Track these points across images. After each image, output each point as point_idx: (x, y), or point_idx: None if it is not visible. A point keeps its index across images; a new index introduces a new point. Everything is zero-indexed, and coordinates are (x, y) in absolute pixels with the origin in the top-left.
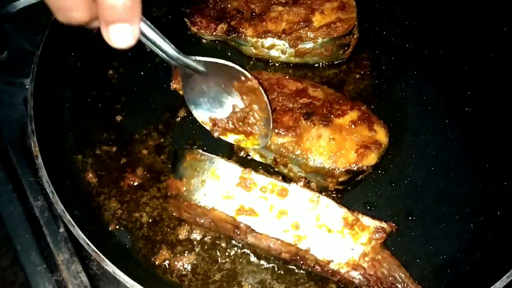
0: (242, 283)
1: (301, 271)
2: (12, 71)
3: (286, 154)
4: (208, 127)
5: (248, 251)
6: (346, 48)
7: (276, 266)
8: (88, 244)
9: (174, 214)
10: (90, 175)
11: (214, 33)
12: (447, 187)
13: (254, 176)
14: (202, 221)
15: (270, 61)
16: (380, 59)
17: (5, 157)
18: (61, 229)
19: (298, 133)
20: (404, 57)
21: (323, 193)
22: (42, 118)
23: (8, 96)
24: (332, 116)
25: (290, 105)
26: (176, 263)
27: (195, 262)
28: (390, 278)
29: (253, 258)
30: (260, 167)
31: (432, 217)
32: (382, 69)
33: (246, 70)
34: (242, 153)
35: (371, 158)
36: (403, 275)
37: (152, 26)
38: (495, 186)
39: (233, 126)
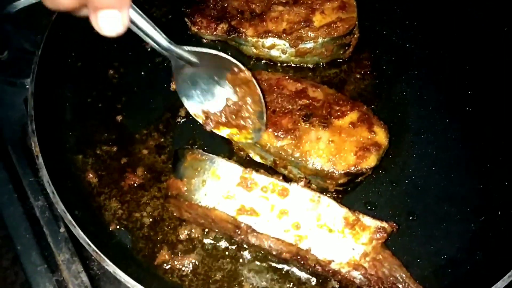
0: (243, 283)
1: (302, 271)
2: (12, 71)
3: (286, 156)
4: (200, 120)
5: (249, 251)
6: (346, 48)
7: (277, 266)
8: (88, 244)
9: (175, 214)
10: (91, 175)
11: (214, 33)
12: (448, 187)
13: (255, 176)
14: (203, 221)
15: (271, 61)
16: (381, 59)
17: (6, 157)
18: (62, 229)
19: (297, 136)
20: (405, 57)
21: (324, 194)
22: (43, 118)
23: (9, 96)
24: (331, 117)
25: (290, 106)
26: (176, 263)
27: (195, 262)
28: (391, 278)
29: (254, 258)
30: (262, 169)
31: (433, 217)
32: (382, 69)
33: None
34: (242, 154)
35: (371, 160)
36: (404, 275)
37: (143, 14)
38: (496, 185)
39: (226, 120)
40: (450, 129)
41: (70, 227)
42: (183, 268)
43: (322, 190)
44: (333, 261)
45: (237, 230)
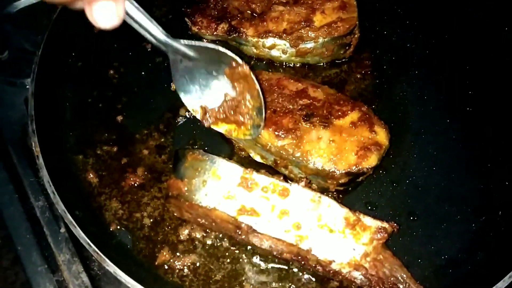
0: (244, 284)
1: (303, 271)
2: (12, 71)
3: (286, 156)
4: (198, 115)
5: (250, 251)
6: (347, 47)
7: (277, 266)
8: (89, 245)
9: (175, 214)
10: (91, 175)
11: (215, 33)
12: (449, 187)
13: (256, 176)
14: (204, 221)
15: (271, 61)
16: (381, 58)
17: (6, 157)
18: (62, 230)
19: (298, 135)
20: (405, 57)
21: (324, 194)
22: (43, 118)
23: (9, 96)
24: (332, 117)
25: (290, 106)
26: (177, 263)
27: (196, 262)
28: (392, 278)
29: (254, 258)
30: (265, 169)
31: (434, 217)
32: (383, 68)
33: None
34: (243, 154)
35: (372, 160)
36: (404, 275)
37: (139, 7)
38: (497, 186)
39: (224, 116)
40: (450, 129)
41: (71, 227)
42: (184, 268)
43: (323, 190)
44: (334, 261)
45: (237, 231)
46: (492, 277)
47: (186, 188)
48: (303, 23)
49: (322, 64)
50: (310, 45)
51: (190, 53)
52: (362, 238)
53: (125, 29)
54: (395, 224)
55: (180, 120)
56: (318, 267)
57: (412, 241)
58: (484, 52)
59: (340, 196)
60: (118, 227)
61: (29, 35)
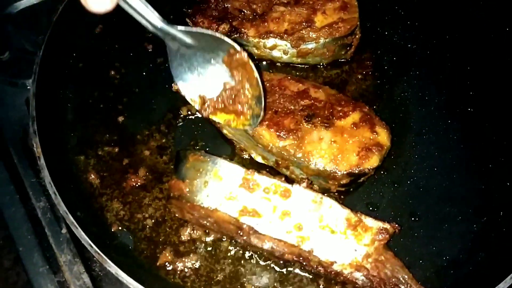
0: (245, 284)
1: (304, 272)
2: (13, 72)
3: (288, 157)
4: (197, 105)
5: (251, 252)
6: (348, 48)
7: (279, 267)
8: (90, 245)
9: (177, 215)
10: (93, 176)
11: None
12: (450, 188)
13: (257, 177)
14: (205, 222)
15: (272, 61)
16: (382, 59)
17: (7, 158)
18: (64, 230)
19: (300, 136)
20: (406, 57)
21: (326, 194)
22: (44, 119)
23: (10, 97)
24: (333, 118)
25: (292, 107)
26: (178, 264)
27: (198, 263)
28: (393, 279)
29: (256, 259)
30: (267, 170)
31: (435, 217)
32: (384, 69)
33: None
34: (244, 154)
35: (373, 161)
36: (406, 276)
37: None
38: (498, 186)
39: (223, 105)
40: (451, 129)
41: (72, 228)
42: (185, 269)
43: (324, 191)
44: (335, 262)
45: (239, 231)
46: (494, 278)
47: (187, 189)
48: (304, 23)
49: (323, 64)
50: (311, 45)
51: (187, 39)
52: (363, 239)
53: (126, 29)
54: (396, 225)
55: (181, 120)
56: (320, 268)
57: (413, 242)
58: (485, 53)
59: (342, 197)
60: (120, 228)
61: (30, 35)
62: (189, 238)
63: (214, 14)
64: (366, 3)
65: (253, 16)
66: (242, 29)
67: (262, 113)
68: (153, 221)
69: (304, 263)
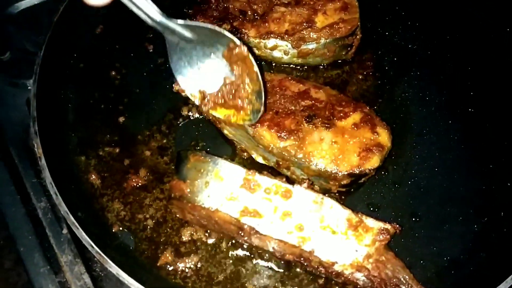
0: (246, 285)
1: (305, 273)
2: (14, 72)
3: (289, 157)
4: (197, 100)
5: (252, 253)
6: (349, 48)
7: (280, 268)
8: (91, 246)
9: (178, 215)
10: (93, 177)
11: None
12: (451, 188)
13: (258, 177)
14: (206, 222)
15: (273, 62)
16: (383, 59)
17: (8, 159)
18: (64, 231)
19: (300, 137)
20: (407, 58)
21: (326, 195)
22: (45, 119)
23: (11, 97)
24: (334, 118)
25: (292, 107)
26: (179, 264)
27: (198, 263)
28: (394, 280)
29: (257, 260)
30: (268, 170)
31: (436, 218)
32: (385, 69)
33: None
34: (245, 155)
35: (374, 161)
36: (407, 277)
37: None
38: (499, 186)
39: (223, 100)
40: (452, 129)
41: (73, 228)
42: (186, 270)
43: (325, 191)
44: (336, 262)
45: (240, 232)
46: (495, 278)
47: (188, 190)
48: (305, 24)
49: (323, 65)
50: (312, 46)
51: (187, 33)
52: (364, 239)
53: (127, 30)
54: (397, 225)
55: (182, 121)
56: (321, 269)
57: (414, 242)
58: (485, 53)
59: (342, 197)
60: (121, 228)
61: (31, 35)
62: (190, 238)
63: (215, 15)
64: (367, 4)
65: (253, 16)
66: (243, 30)
67: (262, 108)
68: (154, 221)
69: (305, 264)
